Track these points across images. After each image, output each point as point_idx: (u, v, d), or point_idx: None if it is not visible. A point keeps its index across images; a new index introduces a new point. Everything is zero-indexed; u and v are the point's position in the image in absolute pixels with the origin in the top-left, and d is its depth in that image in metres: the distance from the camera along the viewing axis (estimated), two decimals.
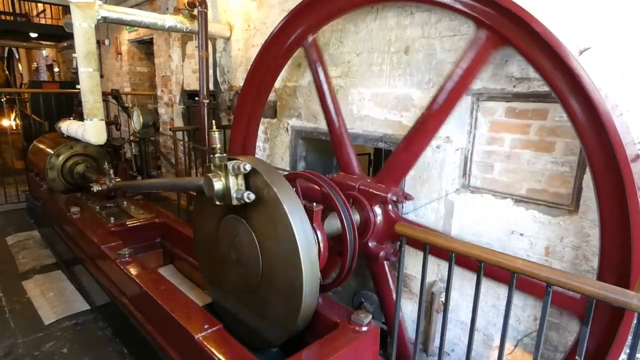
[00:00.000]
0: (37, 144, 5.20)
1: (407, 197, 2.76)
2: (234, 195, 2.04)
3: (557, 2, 2.14)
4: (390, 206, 2.70)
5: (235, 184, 2.06)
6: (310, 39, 3.11)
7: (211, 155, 2.16)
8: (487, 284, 2.56)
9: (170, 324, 2.32)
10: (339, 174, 3.00)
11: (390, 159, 2.76)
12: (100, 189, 3.98)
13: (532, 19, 1.95)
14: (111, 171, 4.09)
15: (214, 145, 2.19)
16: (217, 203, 2.14)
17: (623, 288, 1.45)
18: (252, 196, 2.04)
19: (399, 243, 2.72)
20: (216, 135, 2.21)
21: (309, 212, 2.14)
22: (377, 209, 2.71)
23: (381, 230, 2.72)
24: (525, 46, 2.02)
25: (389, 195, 2.65)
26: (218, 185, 2.07)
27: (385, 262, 2.77)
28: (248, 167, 2.05)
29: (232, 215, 2.28)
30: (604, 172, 1.85)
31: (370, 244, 2.71)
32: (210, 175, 2.09)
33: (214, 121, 2.70)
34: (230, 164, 2.03)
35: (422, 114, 2.56)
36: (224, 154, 2.14)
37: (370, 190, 2.72)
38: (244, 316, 2.44)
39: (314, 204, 2.22)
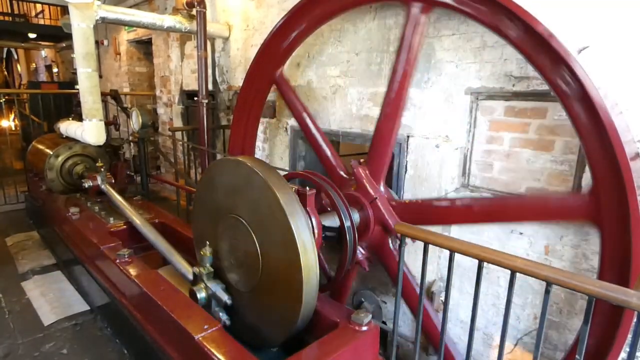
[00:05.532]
0: (36, 144, 5.19)
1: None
2: (212, 313, 2.40)
3: (556, 1, 2.14)
4: (390, 239, 2.66)
5: (216, 304, 2.42)
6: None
7: (198, 272, 2.46)
8: (487, 283, 2.57)
9: (170, 324, 2.32)
10: (364, 168, 2.72)
11: (426, 204, 2.60)
12: (91, 185, 4.20)
13: None
14: (103, 169, 4.27)
15: (204, 265, 2.44)
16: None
17: (623, 287, 1.45)
18: (228, 322, 2.38)
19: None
20: (208, 256, 2.43)
21: (302, 197, 2.15)
22: (378, 226, 2.67)
23: (372, 240, 2.70)
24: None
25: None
26: (201, 295, 2.42)
27: (356, 267, 2.76)
28: (230, 302, 2.37)
29: (231, 215, 2.28)
30: (604, 171, 1.85)
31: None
32: (195, 288, 2.45)
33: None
34: (216, 290, 2.39)
35: (476, 199, 2.47)
36: (212, 270, 2.43)
37: (383, 213, 2.61)
38: (244, 316, 2.44)
39: (307, 187, 2.23)
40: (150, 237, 3.22)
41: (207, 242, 2.45)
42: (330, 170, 3.05)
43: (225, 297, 2.38)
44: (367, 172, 2.72)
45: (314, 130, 3.18)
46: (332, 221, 2.46)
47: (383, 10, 2.93)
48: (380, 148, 2.67)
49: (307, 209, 2.18)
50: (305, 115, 3.23)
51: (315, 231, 2.22)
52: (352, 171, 2.75)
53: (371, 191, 2.66)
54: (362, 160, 2.81)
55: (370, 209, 2.64)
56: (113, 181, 4.35)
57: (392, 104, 2.55)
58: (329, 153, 3.09)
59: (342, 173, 2.97)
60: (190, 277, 2.61)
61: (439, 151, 2.74)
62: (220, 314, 2.39)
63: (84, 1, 3.56)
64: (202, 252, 2.43)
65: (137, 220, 3.46)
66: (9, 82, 18.92)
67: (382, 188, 2.70)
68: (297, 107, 3.27)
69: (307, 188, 2.24)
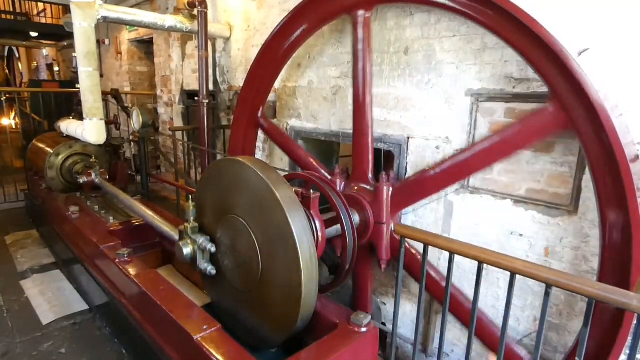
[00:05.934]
0: (36, 143, 5.19)
1: None
2: (199, 265, 2.44)
3: (556, 2, 2.14)
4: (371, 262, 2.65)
5: (202, 256, 2.44)
6: None
7: (184, 227, 2.47)
8: (486, 285, 2.56)
9: (169, 324, 2.31)
10: (389, 187, 2.60)
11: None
12: (86, 180, 4.34)
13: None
14: (97, 166, 4.43)
15: (188, 219, 2.47)
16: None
17: (623, 289, 1.45)
18: (213, 272, 2.41)
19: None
20: (191, 209, 2.46)
21: (306, 200, 2.15)
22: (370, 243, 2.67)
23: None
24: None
25: (383, 261, 2.61)
26: (187, 250, 2.44)
27: None
28: (213, 249, 2.38)
29: (231, 215, 2.28)
30: (604, 173, 1.85)
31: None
32: (181, 242, 2.47)
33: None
34: (200, 240, 2.39)
35: None
36: (196, 225, 2.46)
37: (382, 242, 2.58)
38: (243, 316, 2.43)
39: (311, 191, 2.23)
40: (137, 210, 3.30)
41: (191, 198, 2.49)
42: (361, 155, 2.79)
43: (209, 246, 2.39)
44: (390, 192, 2.60)
45: (362, 86, 2.67)
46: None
47: (384, 12, 2.93)
48: (424, 189, 2.55)
49: (311, 211, 2.17)
50: (363, 62, 2.70)
51: (319, 234, 2.20)
52: (377, 182, 2.65)
53: (385, 215, 2.59)
54: (392, 173, 2.68)
55: (376, 233, 2.61)
56: (107, 177, 4.46)
57: (476, 164, 2.34)
58: (370, 135, 2.75)
59: (368, 169, 2.79)
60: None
61: (439, 152, 2.74)
62: (206, 264, 2.43)
63: (85, 0, 3.57)
64: (185, 207, 2.47)
65: (125, 197, 3.55)
66: (10, 80, 18.94)
67: (393, 226, 2.60)
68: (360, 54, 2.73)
69: (312, 191, 2.23)
